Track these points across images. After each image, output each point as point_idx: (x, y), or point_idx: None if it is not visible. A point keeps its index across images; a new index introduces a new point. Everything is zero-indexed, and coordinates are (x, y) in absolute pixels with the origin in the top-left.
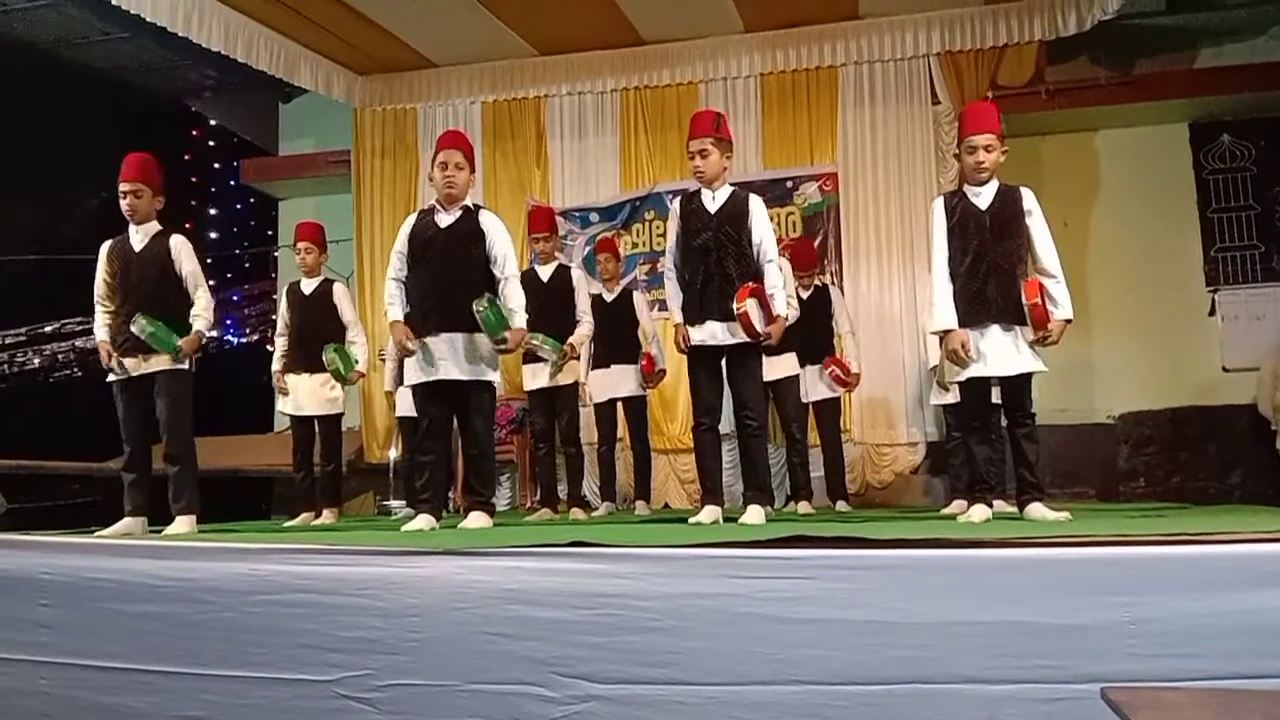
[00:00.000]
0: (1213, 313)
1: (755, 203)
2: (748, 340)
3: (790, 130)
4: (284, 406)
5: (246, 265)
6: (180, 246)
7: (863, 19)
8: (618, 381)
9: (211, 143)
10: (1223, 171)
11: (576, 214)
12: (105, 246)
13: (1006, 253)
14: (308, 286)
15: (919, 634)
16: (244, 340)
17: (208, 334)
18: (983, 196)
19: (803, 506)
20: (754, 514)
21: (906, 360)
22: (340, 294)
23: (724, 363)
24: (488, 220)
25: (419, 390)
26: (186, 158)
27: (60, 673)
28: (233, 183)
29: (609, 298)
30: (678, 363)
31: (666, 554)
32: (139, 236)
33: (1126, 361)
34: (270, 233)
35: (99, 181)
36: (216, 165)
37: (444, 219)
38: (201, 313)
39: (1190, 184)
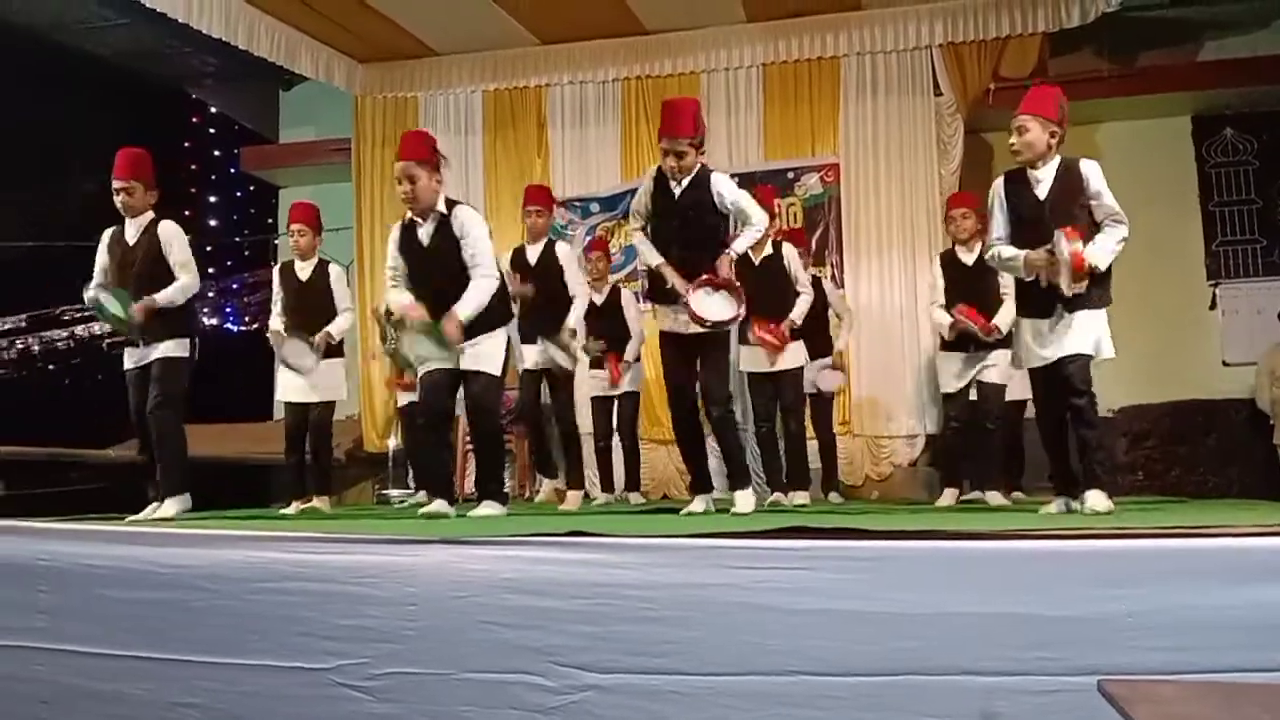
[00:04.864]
0: (1213, 306)
1: (717, 180)
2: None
3: (792, 121)
4: (282, 394)
5: (246, 253)
6: (170, 234)
7: (865, 9)
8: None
9: (212, 130)
10: (1225, 165)
11: (577, 204)
12: (106, 235)
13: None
14: (303, 271)
15: (915, 625)
16: (243, 328)
17: (171, 303)
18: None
19: (799, 496)
20: (743, 501)
21: (906, 352)
22: (336, 276)
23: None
24: (461, 221)
25: (423, 380)
26: (186, 145)
27: (58, 659)
28: (233, 170)
29: (599, 300)
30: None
31: (664, 544)
32: (133, 229)
33: (1126, 354)
34: (270, 220)
35: (99, 167)
36: (217, 153)
37: (423, 232)
38: (171, 290)
39: (1192, 177)
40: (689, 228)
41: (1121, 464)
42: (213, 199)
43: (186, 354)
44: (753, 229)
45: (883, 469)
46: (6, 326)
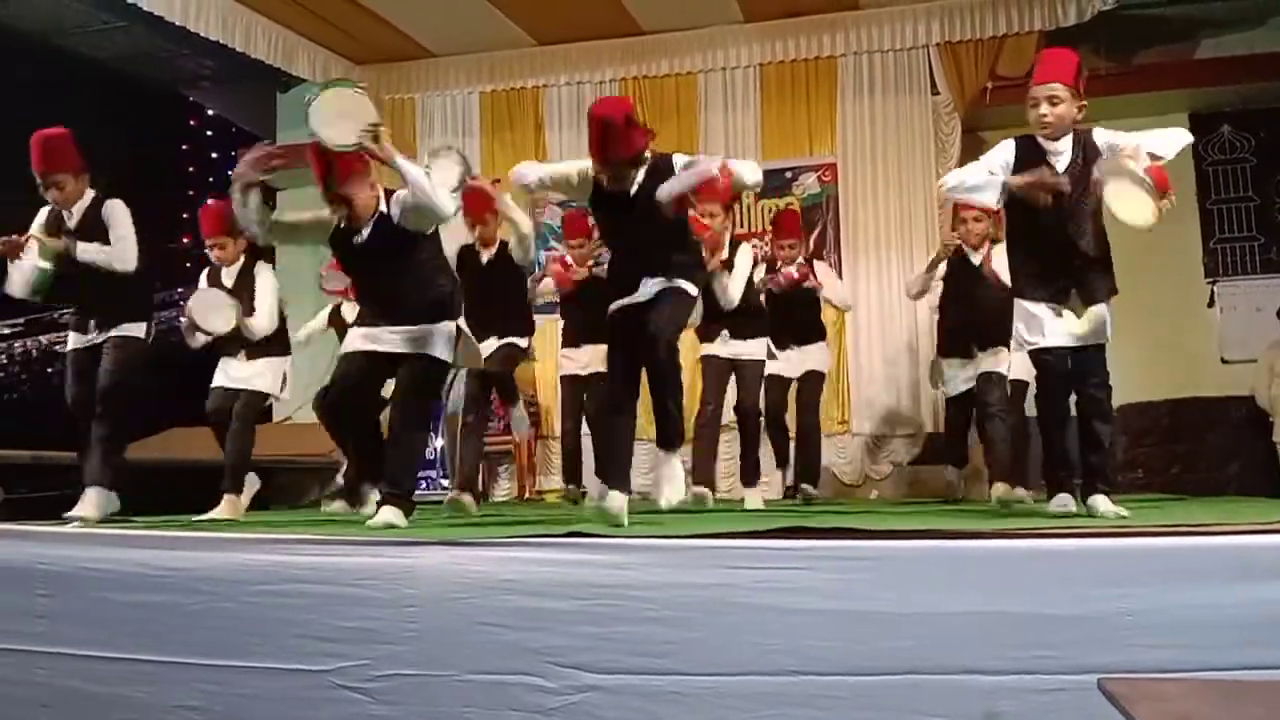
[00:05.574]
0: (1211, 304)
1: (678, 161)
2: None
3: (789, 121)
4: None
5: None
6: (112, 210)
7: (862, 9)
8: (589, 360)
9: (209, 132)
10: (1222, 162)
11: (575, 205)
12: (41, 215)
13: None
14: (228, 276)
15: (916, 625)
16: None
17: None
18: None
19: (751, 495)
20: (615, 500)
21: (905, 350)
22: (260, 271)
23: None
24: (399, 207)
25: (355, 357)
26: (184, 148)
27: (57, 663)
28: (230, 173)
29: (578, 278)
30: None
31: (663, 544)
32: (74, 217)
33: (1125, 353)
34: None
35: (96, 172)
36: (214, 155)
37: (360, 236)
38: (97, 249)
39: (1190, 175)
40: (650, 219)
41: (1121, 462)
42: (210, 202)
43: (142, 335)
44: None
45: (882, 468)
46: (5, 330)
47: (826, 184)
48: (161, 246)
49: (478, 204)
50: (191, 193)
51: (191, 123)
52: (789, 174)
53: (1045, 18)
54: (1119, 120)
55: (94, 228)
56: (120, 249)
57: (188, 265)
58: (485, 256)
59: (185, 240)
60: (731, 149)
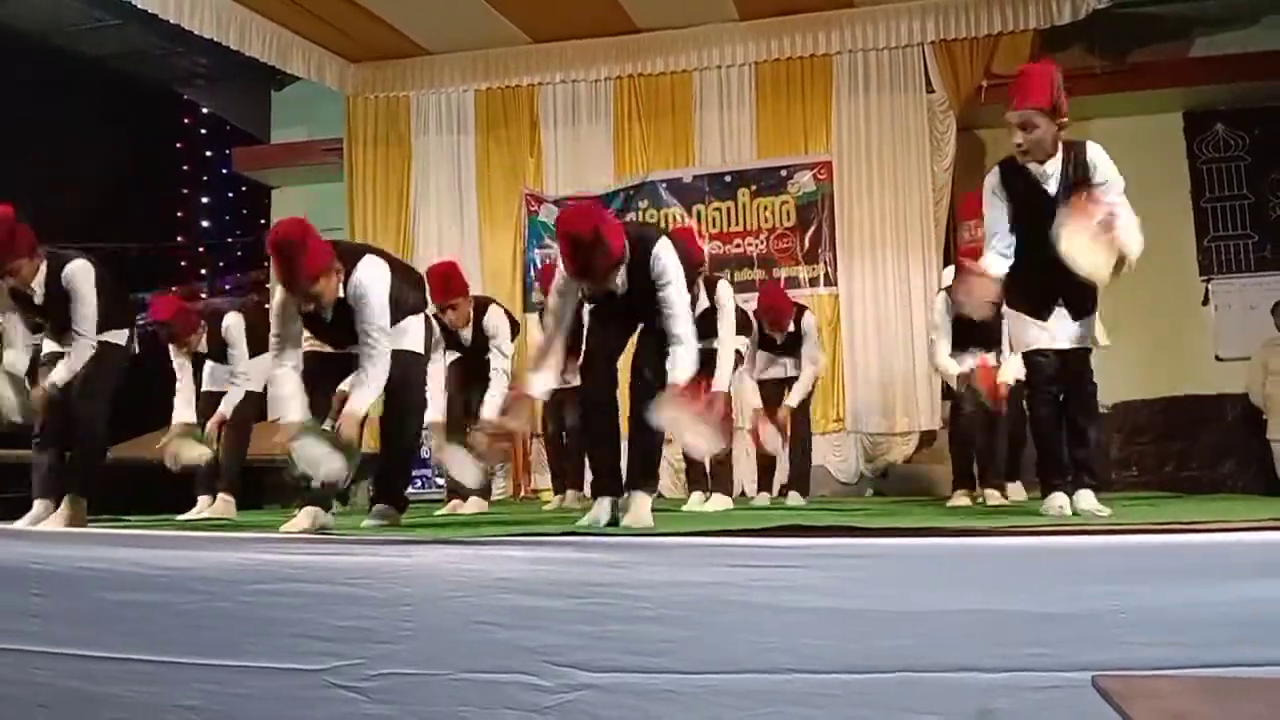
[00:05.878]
0: (1206, 302)
1: (659, 257)
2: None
3: (784, 119)
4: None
5: (239, 254)
6: (75, 280)
7: (857, 7)
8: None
9: (203, 131)
10: (1216, 161)
11: (570, 203)
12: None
13: None
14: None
15: (911, 623)
16: None
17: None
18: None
19: (718, 499)
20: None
21: (900, 349)
22: (232, 324)
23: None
24: (355, 287)
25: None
26: (179, 146)
27: (53, 663)
28: (225, 171)
29: None
30: None
31: (659, 543)
32: (38, 294)
33: (1119, 351)
34: (263, 221)
35: (90, 171)
36: (209, 153)
37: (326, 314)
38: (66, 366)
39: (1184, 173)
40: (640, 313)
41: (1116, 459)
42: (205, 200)
43: (123, 343)
44: (683, 356)
45: (877, 466)
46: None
47: (821, 182)
48: (155, 245)
49: (442, 290)
50: (186, 190)
51: (186, 121)
52: (784, 172)
53: (1040, 16)
54: (1113, 118)
55: (59, 297)
56: (80, 347)
57: (182, 264)
58: (465, 335)
59: (180, 239)
60: (726, 147)
